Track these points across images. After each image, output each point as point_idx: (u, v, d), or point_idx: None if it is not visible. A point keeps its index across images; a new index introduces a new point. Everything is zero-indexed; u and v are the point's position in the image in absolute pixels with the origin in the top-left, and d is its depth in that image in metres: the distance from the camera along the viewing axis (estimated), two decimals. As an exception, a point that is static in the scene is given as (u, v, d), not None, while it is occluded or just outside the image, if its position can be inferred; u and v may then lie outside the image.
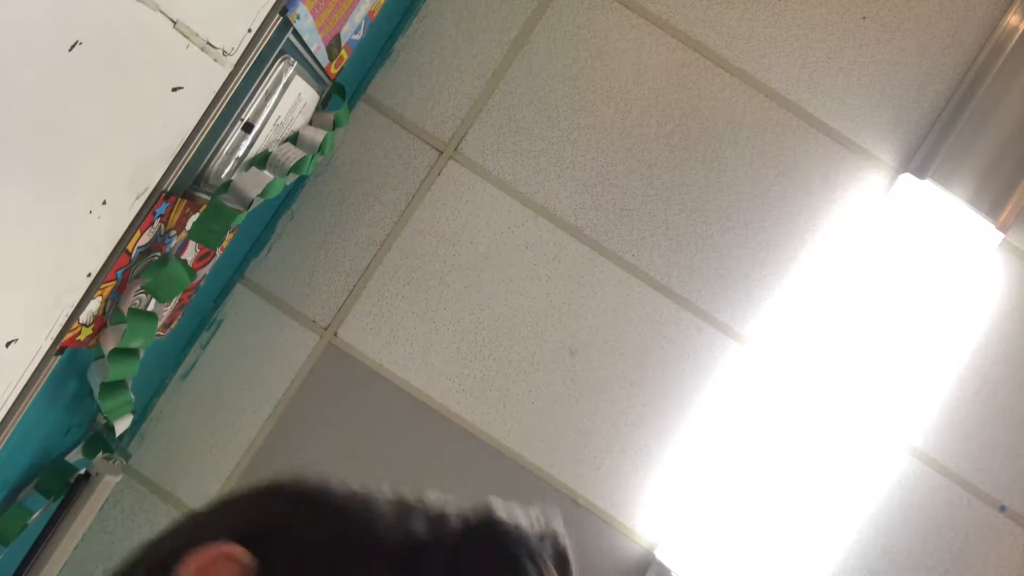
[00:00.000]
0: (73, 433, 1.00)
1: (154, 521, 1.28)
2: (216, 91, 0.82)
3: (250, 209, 0.96)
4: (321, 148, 1.09)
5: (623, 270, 1.30)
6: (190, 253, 1.01)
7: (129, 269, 0.85)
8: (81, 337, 0.83)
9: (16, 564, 1.04)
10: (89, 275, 0.79)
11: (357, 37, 1.10)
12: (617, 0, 1.32)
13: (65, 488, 1.01)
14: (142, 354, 0.95)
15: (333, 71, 1.08)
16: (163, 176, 0.82)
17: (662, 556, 1.25)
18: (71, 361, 0.87)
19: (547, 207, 1.31)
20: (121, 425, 0.99)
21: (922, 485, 1.27)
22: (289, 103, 0.98)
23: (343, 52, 1.08)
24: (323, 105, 1.12)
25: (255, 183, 0.95)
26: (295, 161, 1.02)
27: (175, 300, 1.07)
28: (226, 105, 0.85)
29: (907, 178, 1.25)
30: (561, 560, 0.34)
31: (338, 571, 0.30)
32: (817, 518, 1.25)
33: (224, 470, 1.28)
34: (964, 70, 1.29)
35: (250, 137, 0.93)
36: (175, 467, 1.28)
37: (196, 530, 0.33)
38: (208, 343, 1.29)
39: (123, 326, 0.87)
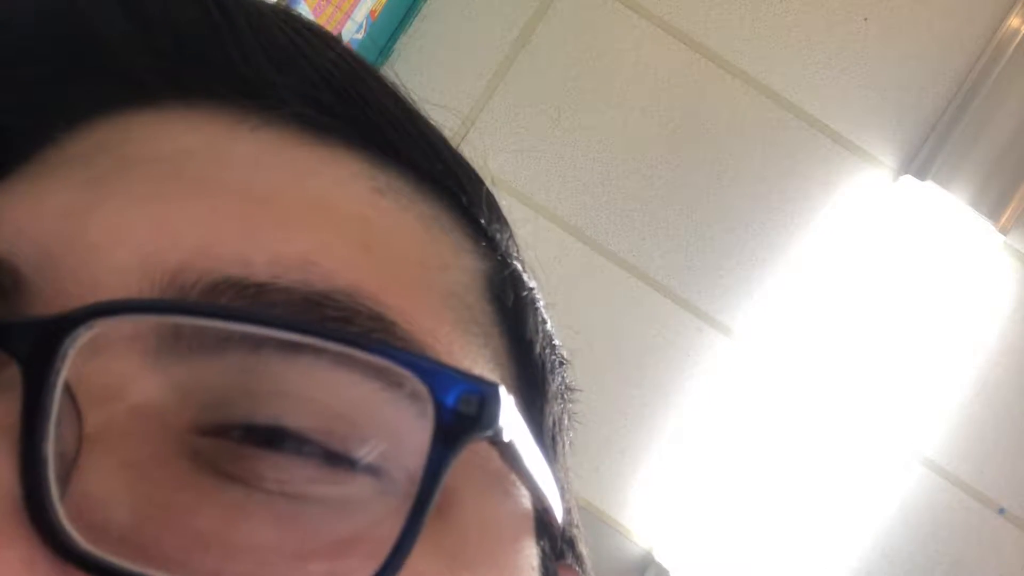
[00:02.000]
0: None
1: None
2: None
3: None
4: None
5: (623, 270, 1.30)
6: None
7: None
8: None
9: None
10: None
11: (359, 36, 1.10)
12: (619, 1, 1.32)
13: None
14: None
15: (334, 70, 1.08)
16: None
17: (661, 557, 1.25)
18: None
19: (547, 207, 1.31)
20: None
21: (921, 487, 1.27)
22: (290, 102, 0.98)
23: (344, 51, 1.08)
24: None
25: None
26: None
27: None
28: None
29: (908, 180, 1.25)
30: None
31: None
32: (816, 521, 1.25)
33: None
34: (966, 72, 1.29)
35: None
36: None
37: None
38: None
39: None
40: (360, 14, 1.06)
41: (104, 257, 0.17)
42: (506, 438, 0.16)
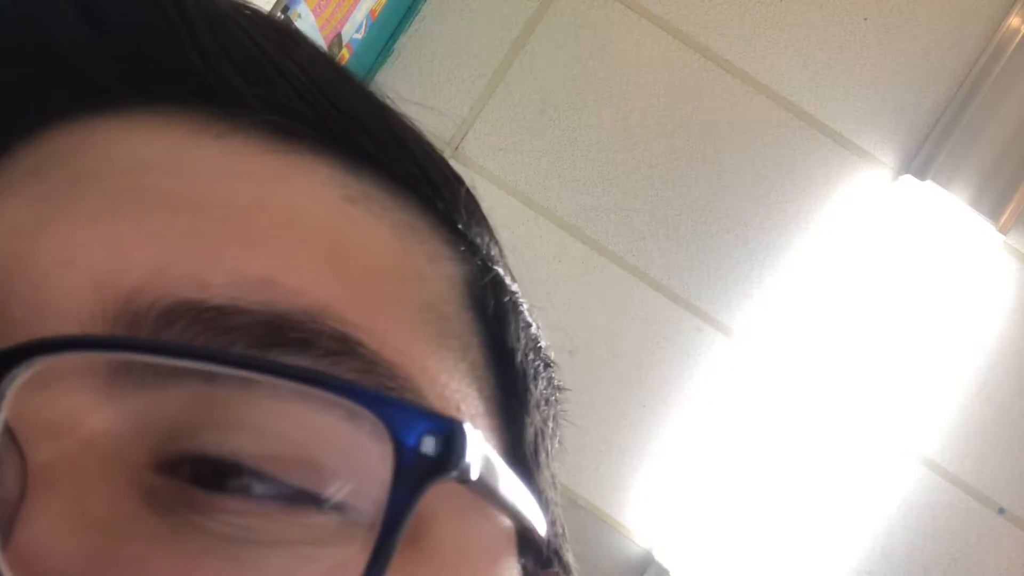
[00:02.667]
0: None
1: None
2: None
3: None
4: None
5: (623, 270, 1.30)
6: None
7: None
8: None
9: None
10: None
11: (358, 36, 1.10)
12: (619, 1, 1.32)
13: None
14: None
15: (334, 70, 1.08)
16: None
17: (661, 557, 1.25)
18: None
19: (547, 207, 1.31)
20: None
21: (921, 487, 1.27)
22: (290, 102, 0.97)
23: (344, 51, 1.08)
24: (324, 104, 1.12)
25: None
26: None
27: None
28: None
29: (908, 179, 1.25)
30: None
31: None
32: (816, 520, 1.25)
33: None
34: (965, 72, 1.29)
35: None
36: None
37: None
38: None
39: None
40: (360, 14, 1.06)
41: (55, 281, 0.16)
42: (474, 476, 0.15)
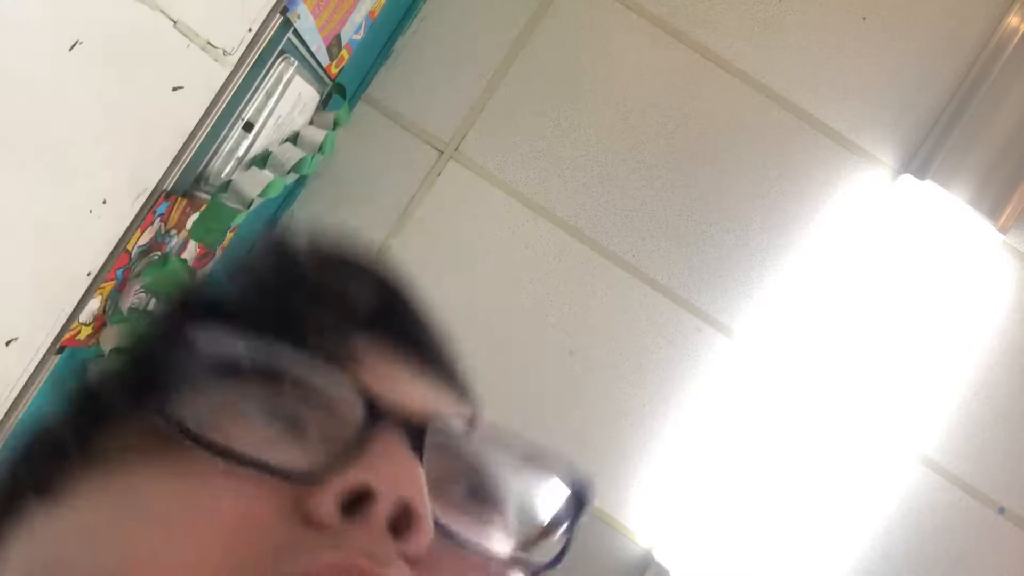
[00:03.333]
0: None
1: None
2: (216, 91, 0.82)
3: (250, 209, 0.96)
4: (321, 148, 1.09)
5: (623, 270, 1.30)
6: (190, 252, 1.01)
7: (129, 268, 0.85)
8: (81, 336, 0.83)
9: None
10: (89, 274, 0.79)
11: (358, 37, 1.10)
12: (618, 1, 1.32)
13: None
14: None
15: (333, 71, 1.08)
16: (163, 175, 0.82)
17: (660, 557, 1.25)
18: (71, 360, 0.87)
19: (547, 207, 1.31)
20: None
21: (921, 487, 1.27)
22: (289, 103, 0.98)
23: (344, 52, 1.08)
24: (324, 105, 1.12)
25: (255, 183, 0.95)
26: (295, 161, 1.02)
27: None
28: (226, 105, 0.85)
29: (908, 179, 1.25)
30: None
31: None
32: (817, 520, 1.25)
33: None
34: (965, 71, 1.29)
35: (250, 137, 0.93)
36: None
37: None
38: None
39: (122, 325, 0.87)
40: (359, 15, 1.06)
41: (384, 407, 0.27)
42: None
